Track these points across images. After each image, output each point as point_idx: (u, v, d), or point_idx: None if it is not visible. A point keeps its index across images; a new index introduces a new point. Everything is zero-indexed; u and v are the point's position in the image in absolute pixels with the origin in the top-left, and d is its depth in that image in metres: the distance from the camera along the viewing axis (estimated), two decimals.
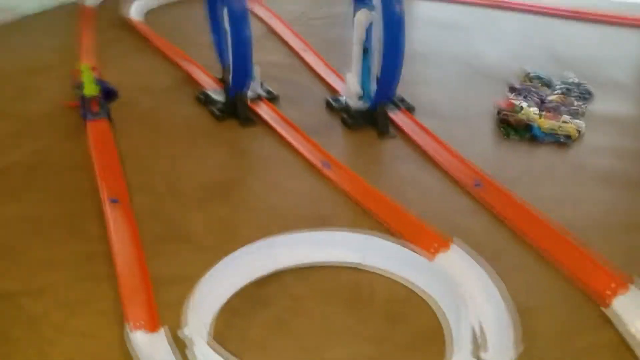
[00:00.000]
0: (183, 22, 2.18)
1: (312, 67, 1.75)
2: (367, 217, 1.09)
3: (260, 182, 1.21)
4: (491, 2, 2.30)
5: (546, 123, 1.35)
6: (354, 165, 1.25)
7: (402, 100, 1.50)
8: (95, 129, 1.37)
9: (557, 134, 1.33)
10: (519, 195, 1.13)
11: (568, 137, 1.32)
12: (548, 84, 1.55)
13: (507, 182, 1.18)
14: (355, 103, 1.44)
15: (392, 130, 1.39)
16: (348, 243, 0.97)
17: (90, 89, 1.53)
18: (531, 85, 1.54)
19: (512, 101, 1.44)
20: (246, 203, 1.15)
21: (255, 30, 1.42)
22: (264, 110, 1.47)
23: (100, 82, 1.57)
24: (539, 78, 1.57)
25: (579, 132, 1.34)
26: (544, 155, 1.31)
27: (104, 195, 1.12)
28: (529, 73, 1.60)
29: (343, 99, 1.51)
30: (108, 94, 1.55)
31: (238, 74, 1.39)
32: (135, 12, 2.20)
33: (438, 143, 1.32)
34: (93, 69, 1.60)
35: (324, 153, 1.28)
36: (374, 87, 1.41)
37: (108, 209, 1.08)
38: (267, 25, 2.10)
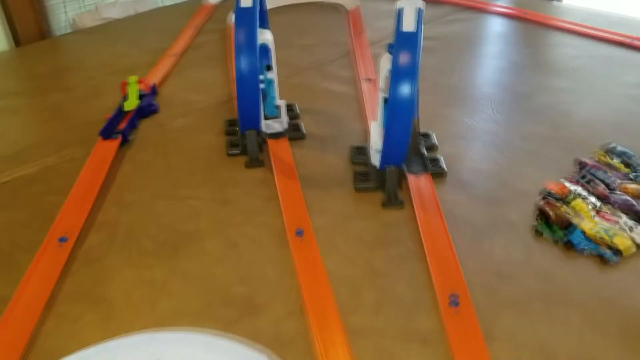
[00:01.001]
0: (280, 29, 2.13)
1: (365, 100, 1.56)
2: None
3: (218, 243, 1.08)
4: (620, 38, 1.87)
5: (594, 225, 1.03)
6: (327, 239, 1.07)
7: (435, 161, 1.27)
8: (101, 150, 1.36)
9: (601, 245, 1.00)
10: (510, 333, 0.87)
11: (617, 252, 0.99)
12: (633, 165, 1.19)
13: (503, 304, 0.91)
14: (375, 158, 1.24)
15: (401, 198, 1.18)
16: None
17: (131, 104, 1.54)
18: (607, 164, 1.19)
19: (566, 185, 1.12)
20: (187, 268, 1.02)
21: None
22: (276, 152, 1.34)
23: (144, 96, 1.57)
24: (623, 155, 1.21)
25: (637, 246, 1.00)
26: (573, 273, 0.98)
27: (53, 231, 1.09)
28: (612, 146, 1.24)
29: (369, 150, 1.31)
30: (145, 110, 1.53)
31: (241, 110, 1.27)
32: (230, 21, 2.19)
33: (441, 233, 1.07)
34: (139, 82, 1.60)
35: (305, 218, 1.12)
36: None
37: (49, 248, 1.05)
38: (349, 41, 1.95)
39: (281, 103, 1.39)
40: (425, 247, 1.03)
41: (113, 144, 1.37)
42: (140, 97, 1.58)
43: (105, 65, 1.88)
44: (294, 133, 1.41)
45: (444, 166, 1.25)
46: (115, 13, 2.37)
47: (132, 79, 1.61)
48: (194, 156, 1.36)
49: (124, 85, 1.60)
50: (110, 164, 1.30)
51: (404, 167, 1.22)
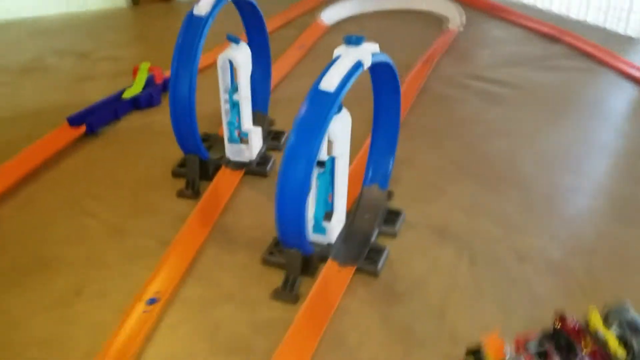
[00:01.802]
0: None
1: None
2: None
3: (66, 283, 0.93)
4: None
5: None
6: (176, 319, 0.87)
7: (377, 253, 0.97)
8: (58, 135, 1.27)
9: None
10: None
11: None
12: (634, 349, 0.78)
13: None
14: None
15: (296, 292, 0.91)
16: None
17: (131, 92, 1.44)
18: (594, 333, 0.79)
19: (505, 349, 0.78)
20: (7, 308, 0.89)
21: None
22: (218, 186, 1.14)
23: (151, 86, 1.47)
24: (629, 327, 0.80)
25: None
26: None
27: None
28: (620, 308, 0.84)
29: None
30: (141, 100, 1.43)
31: (176, 131, 1.08)
32: (326, 17, 2.04)
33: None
34: (151, 70, 1.50)
35: (172, 284, 0.91)
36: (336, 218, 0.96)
37: None
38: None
39: (252, 129, 1.18)
40: None
41: (72, 133, 1.29)
42: (147, 86, 1.48)
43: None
44: (257, 167, 1.20)
45: (379, 265, 0.95)
46: None
47: (144, 65, 1.50)
48: (141, 167, 1.23)
49: (136, 70, 1.51)
50: (56, 153, 1.23)
51: (333, 250, 0.96)
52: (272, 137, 1.29)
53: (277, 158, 1.22)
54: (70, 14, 2.08)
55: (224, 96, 1.12)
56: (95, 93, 1.47)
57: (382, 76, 0.93)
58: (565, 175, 1.20)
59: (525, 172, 1.21)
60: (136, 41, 1.92)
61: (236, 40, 1.10)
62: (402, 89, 1.05)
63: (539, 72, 1.64)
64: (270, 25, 1.72)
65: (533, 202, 1.13)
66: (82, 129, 1.30)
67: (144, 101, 1.44)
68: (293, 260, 0.91)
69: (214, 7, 1.01)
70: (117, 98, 1.43)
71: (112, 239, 1.02)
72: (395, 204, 1.08)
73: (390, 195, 1.07)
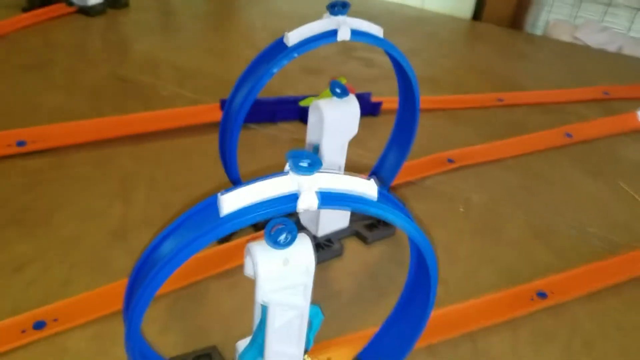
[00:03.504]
0: None
1: None
2: None
3: None
4: None
5: None
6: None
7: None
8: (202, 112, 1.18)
9: None
10: None
11: None
12: None
13: None
14: None
15: None
16: None
17: (308, 101, 1.21)
18: None
19: None
20: None
21: None
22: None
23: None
24: None
25: None
26: None
27: None
28: None
29: None
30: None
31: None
32: None
33: None
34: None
35: None
36: None
37: None
38: None
39: None
40: None
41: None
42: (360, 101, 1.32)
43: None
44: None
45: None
46: (595, 40, 2.01)
47: (341, 79, 1.30)
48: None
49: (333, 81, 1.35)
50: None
51: None
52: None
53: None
54: None
55: (307, 147, 0.84)
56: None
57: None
58: None
59: None
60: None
61: (339, 93, 0.80)
62: None
63: None
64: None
65: None
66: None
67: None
68: None
69: (305, 42, 0.74)
70: (289, 101, 1.29)
71: None
72: None
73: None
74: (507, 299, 0.81)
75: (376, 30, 0.77)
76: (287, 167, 0.47)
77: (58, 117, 1.13)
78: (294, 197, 0.45)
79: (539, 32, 2.10)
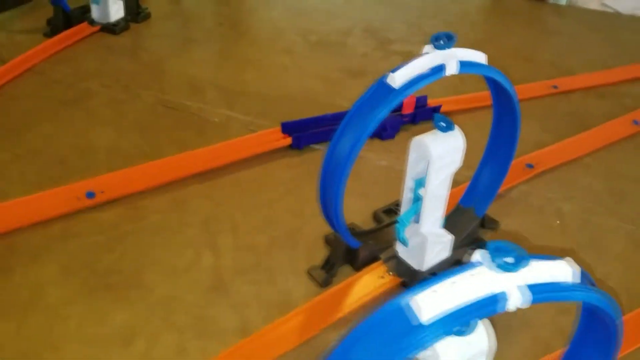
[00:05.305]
0: None
1: None
2: None
3: None
4: None
5: None
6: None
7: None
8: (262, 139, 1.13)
9: None
10: None
11: None
12: None
13: None
14: None
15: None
16: None
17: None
18: None
19: None
20: None
21: None
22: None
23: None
24: None
25: None
26: None
27: None
28: None
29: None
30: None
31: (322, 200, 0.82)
32: None
33: None
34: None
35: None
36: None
37: None
38: None
39: (430, 237, 0.84)
40: None
41: (279, 140, 1.14)
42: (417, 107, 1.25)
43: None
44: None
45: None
46: (624, 5, 1.95)
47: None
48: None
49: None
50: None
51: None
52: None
53: None
54: None
55: (408, 182, 0.81)
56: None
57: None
58: None
59: None
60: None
61: (444, 127, 0.75)
62: None
63: None
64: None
65: None
66: (288, 140, 1.15)
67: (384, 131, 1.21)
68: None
69: (412, 83, 0.70)
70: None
71: None
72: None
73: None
74: None
75: (480, 57, 0.72)
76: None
77: (117, 159, 1.09)
78: (500, 298, 0.41)
79: (563, 1, 2.03)
